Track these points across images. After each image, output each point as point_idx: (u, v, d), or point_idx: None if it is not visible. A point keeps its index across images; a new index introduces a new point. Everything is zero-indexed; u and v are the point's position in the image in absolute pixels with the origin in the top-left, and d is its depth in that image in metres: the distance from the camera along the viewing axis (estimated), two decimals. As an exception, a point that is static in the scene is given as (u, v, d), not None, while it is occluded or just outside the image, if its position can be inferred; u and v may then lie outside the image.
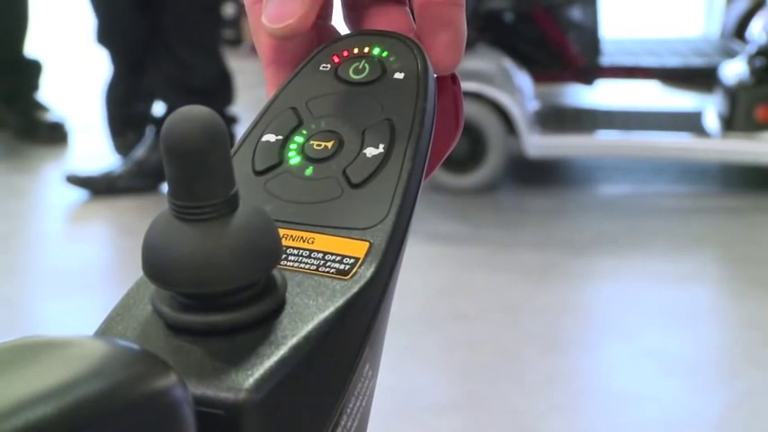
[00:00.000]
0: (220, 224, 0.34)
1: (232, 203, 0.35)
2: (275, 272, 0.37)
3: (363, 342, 0.39)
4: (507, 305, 2.38)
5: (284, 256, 0.40)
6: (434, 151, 0.44)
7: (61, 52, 4.32)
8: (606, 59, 3.80)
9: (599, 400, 2.01)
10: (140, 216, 2.92)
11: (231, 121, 3.11)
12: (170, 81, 3.04)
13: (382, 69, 0.44)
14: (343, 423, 0.38)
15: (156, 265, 0.35)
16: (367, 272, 0.39)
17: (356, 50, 0.46)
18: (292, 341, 0.35)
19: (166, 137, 0.33)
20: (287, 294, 0.37)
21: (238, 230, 0.34)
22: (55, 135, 3.71)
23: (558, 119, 3.35)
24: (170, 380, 0.31)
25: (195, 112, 0.34)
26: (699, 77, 3.78)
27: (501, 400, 1.96)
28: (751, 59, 3.20)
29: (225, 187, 0.34)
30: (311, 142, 0.43)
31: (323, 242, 0.40)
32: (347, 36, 0.47)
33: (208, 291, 0.35)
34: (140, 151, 3.14)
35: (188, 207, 0.34)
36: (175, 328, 0.36)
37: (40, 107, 3.79)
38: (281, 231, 0.40)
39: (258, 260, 0.35)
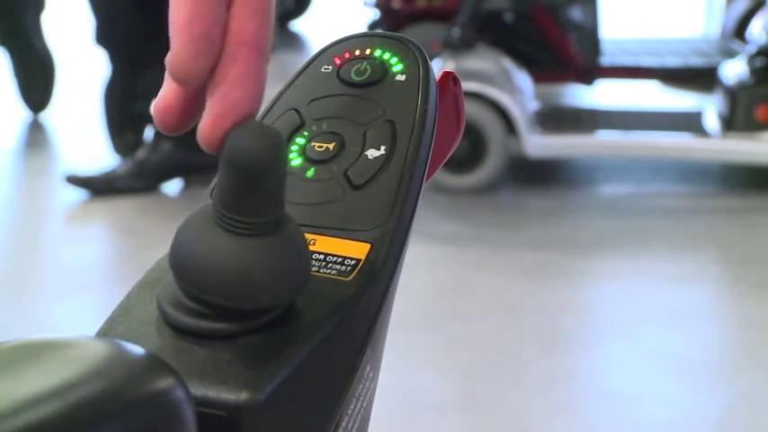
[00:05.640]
0: (264, 243, 0.34)
1: (277, 224, 0.35)
2: None
3: (364, 343, 0.38)
4: (507, 305, 2.38)
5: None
6: (436, 153, 0.44)
7: (60, 52, 4.32)
8: (606, 59, 3.80)
9: (599, 400, 2.01)
10: (140, 216, 2.92)
11: (231, 121, 3.10)
12: (170, 81, 3.03)
13: (384, 71, 0.44)
14: (343, 424, 0.38)
15: (192, 268, 0.35)
16: (368, 273, 0.39)
17: (358, 52, 0.45)
18: (293, 343, 0.35)
19: (232, 147, 0.33)
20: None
21: (281, 252, 0.34)
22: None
23: (558, 119, 3.34)
24: (171, 381, 0.31)
25: (265, 130, 0.34)
26: (699, 77, 3.78)
27: (501, 400, 1.96)
28: (751, 59, 3.20)
29: (275, 207, 0.34)
30: (313, 144, 0.43)
31: (324, 243, 0.40)
32: (349, 37, 0.47)
33: (239, 306, 0.34)
34: (140, 151, 3.14)
35: (235, 220, 0.34)
36: (177, 330, 0.36)
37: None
38: None
39: (294, 282, 0.35)
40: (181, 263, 0.35)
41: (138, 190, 3.08)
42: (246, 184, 0.34)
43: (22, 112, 4.02)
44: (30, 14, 3.91)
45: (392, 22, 3.80)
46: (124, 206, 3.01)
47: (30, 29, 3.91)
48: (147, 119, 3.26)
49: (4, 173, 3.54)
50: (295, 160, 0.43)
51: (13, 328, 2.24)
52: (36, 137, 3.91)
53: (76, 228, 3.02)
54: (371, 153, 0.42)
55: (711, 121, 3.22)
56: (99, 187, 3.08)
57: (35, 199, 3.30)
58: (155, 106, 0.37)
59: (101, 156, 3.33)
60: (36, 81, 3.95)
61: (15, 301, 2.46)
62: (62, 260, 2.71)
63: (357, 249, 0.39)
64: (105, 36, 3.19)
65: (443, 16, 3.59)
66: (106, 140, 3.33)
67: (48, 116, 4.02)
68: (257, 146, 0.33)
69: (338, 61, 0.46)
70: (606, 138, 3.20)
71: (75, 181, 3.07)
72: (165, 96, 0.37)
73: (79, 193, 3.08)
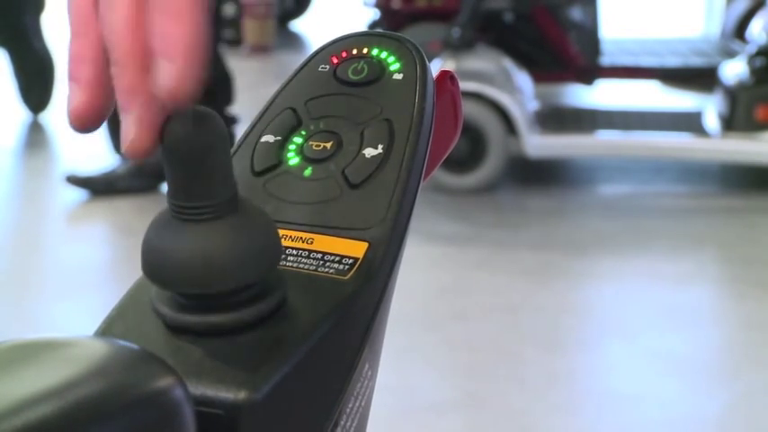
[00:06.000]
0: (220, 225, 0.34)
1: (231, 204, 0.34)
2: (275, 272, 0.37)
3: (363, 342, 0.38)
4: (507, 305, 2.38)
5: (283, 256, 0.40)
6: (433, 152, 0.44)
7: (60, 53, 4.33)
8: (606, 59, 3.80)
9: (599, 400, 2.01)
10: (140, 216, 2.92)
11: (231, 121, 3.11)
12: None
13: (381, 70, 0.44)
14: (342, 423, 0.38)
15: (156, 265, 0.35)
16: (366, 272, 0.39)
17: (355, 51, 0.45)
18: (291, 341, 0.35)
19: (166, 137, 0.33)
20: (286, 294, 0.37)
21: (237, 231, 0.34)
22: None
23: (558, 119, 3.34)
24: (170, 380, 0.31)
25: (194, 112, 0.34)
26: (699, 77, 3.78)
27: (501, 400, 1.96)
28: (751, 59, 3.20)
29: (224, 188, 0.34)
30: (310, 143, 0.43)
31: (322, 242, 0.40)
32: (346, 37, 0.47)
33: (206, 291, 0.35)
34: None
35: (187, 207, 0.34)
36: (175, 329, 0.36)
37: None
38: (280, 232, 0.40)
39: (257, 261, 0.35)
40: (149, 264, 0.35)
41: (138, 190, 3.08)
42: (188, 170, 0.34)
43: (21, 113, 4.02)
44: (29, 15, 3.92)
45: (392, 22, 3.80)
46: (124, 206, 3.01)
47: (29, 30, 3.92)
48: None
49: (4, 173, 3.54)
50: (293, 159, 0.43)
51: (12, 328, 2.24)
52: (36, 137, 3.91)
53: (76, 228, 3.02)
54: (369, 152, 0.42)
55: (711, 121, 3.22)
56: (99, 187, 3.08)
57: (35, 199, 3.30)
58: (71, 111, 0.35)
59: (101, 156, 3.33)
60: (36, 82, 3.96)
61: (15, 301, 2.46)
62: (62, 260, 2.71)
63: (355, 248, 0.39)
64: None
65: (443, 16, 3.59)
66: (106, 140, 3.33)
67: (47, 117, 4.02)
68: (189, 129, 0.33)
69: (335, 60, 0.45)
70: (606, 138, 3.20)
71: (75, 181, 3.07)
72: (81, 100, 0.35)
73: (79, 193, 3.08)
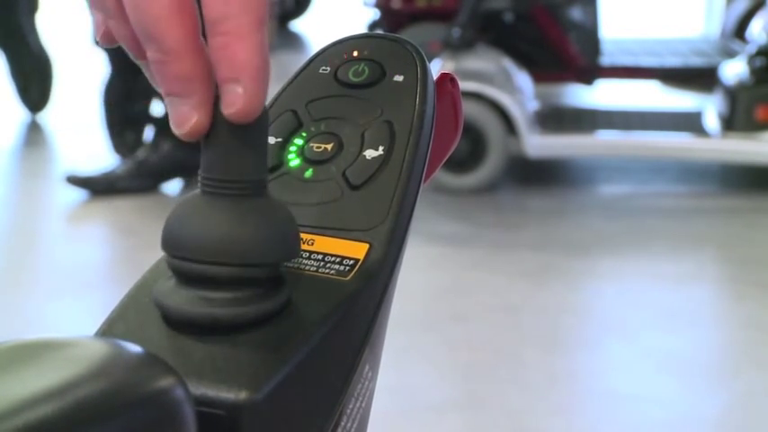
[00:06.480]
0: (248, 203, 0.35)
1: (261, 186, 0.35)
2: (284, 270, 0.37)
3: (363, 343, 0.39)
4: (507, 305, 2.38)
5: (284, 256, 0.40)
6: (434, 154, 0.44)
7: (61, 52, 4.33)
8: (606, 59, 3.80)
9: (599, 400, 2.01)
10: (140, 216, 2.92)
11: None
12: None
13: (381, 72, 0.44)
14: (342, 424, 0.38)
15: (178, 233, 0.35)
16: (367, 273, 0.39)
17: (356, 53, 0.46)
18: (292, 342, 0.35)
19: (219, 111, 0.34)
20: (291, 295, 0.38)
21: (263, 212, 0.35)
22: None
23: (558, 119, 3.35)
24: (170, 380, 0.31)
25: None
26: (699, 77, 3.78)
27: (501, 400, 1.97)
28: (751, 59, 3.20)
29: (259, 168, 0.35)
30: (311, 144, 0.43)
31: (323, 243, 0.40)
32: (347, 39, 0.47)
33: (225, 262, 0.35)
34: (140, 151, 3.14)
35: (219, 180, 0.34)
36: (177, 324, 0.36)
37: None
38: None
39: (277, 243, 0.35)
40: (169, 233, 0.35)
41: (138, 190, 3.08)
42: (235, 139, 0.34)
43: (20, 113, 4.02)
44: (23, 14, 3.91)
45: (392, 22, 3.80)
46: (124, 206, 3.01)
47: (25, 29, 3.91)
48: (147, 119, 3.26)
49: (3, 173, 3.54)
50: (293, 161, 0.43)
51: (12, 328, 2.24)
52: (35, 137, 3.91)
53: (76, 228, 3.02)
54: (370, 153, 0.42)
55: (711, 121, 3.22)
56: (99, 187, 3.08)
57: (35, 199, 3.30)
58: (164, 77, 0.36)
59: (101, 156, 3.33)
60: (33, 81, 3.96)
61: (15, 301, 2.47)
62: (62, 260, 2.71)
63: (356, 249, 0.40)
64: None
65: (443, 16, 3.59)
66: (106, 140, 3.33)
67: (46, 116, 4.02)
68: None
69: (336, 62, 0.46)
70: (606, 138, 3.21)
71: (75, 181, 3.07)
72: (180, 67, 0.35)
73: (79, 193, 3.08)
